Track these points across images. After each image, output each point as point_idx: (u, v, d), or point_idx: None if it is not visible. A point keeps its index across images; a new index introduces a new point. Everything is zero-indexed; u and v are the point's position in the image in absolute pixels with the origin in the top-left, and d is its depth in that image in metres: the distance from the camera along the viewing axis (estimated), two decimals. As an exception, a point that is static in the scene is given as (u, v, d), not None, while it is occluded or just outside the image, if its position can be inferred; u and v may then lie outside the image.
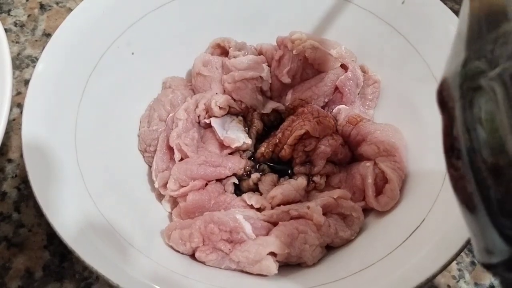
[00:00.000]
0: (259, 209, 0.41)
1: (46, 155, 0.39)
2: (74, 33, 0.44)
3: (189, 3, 0.49)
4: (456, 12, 0.44)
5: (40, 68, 0.42)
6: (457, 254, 0.33)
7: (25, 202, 0.47)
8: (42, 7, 0.60)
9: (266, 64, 0.48)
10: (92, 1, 0.45)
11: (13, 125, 0.51)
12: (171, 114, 0.45)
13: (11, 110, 0.51)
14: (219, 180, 0.43)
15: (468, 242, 0.34)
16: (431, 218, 0.37)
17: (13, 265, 0.44)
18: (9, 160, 0.49)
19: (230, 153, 0.45)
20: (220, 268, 0.38)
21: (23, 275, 0.43)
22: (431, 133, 0.43)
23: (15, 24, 0.59)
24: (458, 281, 0.44)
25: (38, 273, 0.43)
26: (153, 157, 0.45)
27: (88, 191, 0.39)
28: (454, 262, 0.44)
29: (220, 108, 0.46)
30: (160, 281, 0.33)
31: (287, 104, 0.48)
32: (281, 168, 0.45)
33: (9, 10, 0.60)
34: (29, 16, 0.60)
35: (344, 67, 0.48)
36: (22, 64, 0.56)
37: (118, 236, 0.38)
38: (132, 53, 0.47)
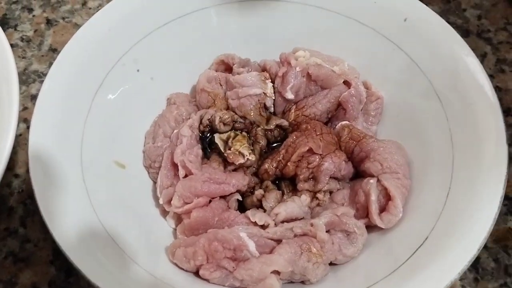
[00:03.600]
0: (262, 226, 0.41)
1: (52, 170, 0.40)
2: (81, 50, 0.45)
3: (193, 21, 0.49)
4: (458, 28, 0.45)
5: (48, 85, 0.43)
6: (461, 272, 0.34)
7: (31, 217, 0.47)
8: (48, 22, 0.61)
9: (270, 80, 0.49)
10: (98, 19, 0.46)
11: (20, 140, 0.52)
12: (175, 131, 0.46)
13: (17, 125, 0.52)
14: (223, 197, 0.44)
15: (471, 260, 0.34)
16: (435, 235, 0.37)
17: (19, 280, 0.44)
18: (16, 175, 0.50)
19: (234, 170, 0.45)
20: (224, 286, 0.38)
21: (29, 291, 0.44)
22: (434, 149, 0.43)
23: (22, 39, 0.60)
24: (461, 298, 0.44)
25: (44, 288, 0.44)
26: (158, 173, 0.45)
27: (93, 207, 0.40)
28: (458, 278, 0.44)
29: (224, 124, 0.46)
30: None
31: (290, 120, 0.48)
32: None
33: (16, 25, 0.61)
34: (35, 31, 0.60)
35: (347, 83, 0.48)
36: (29, 79, 0.57)
37: (122, 253, 0.38)
38: (138, 70, 0.48)
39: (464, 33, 0.59)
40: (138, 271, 0.37)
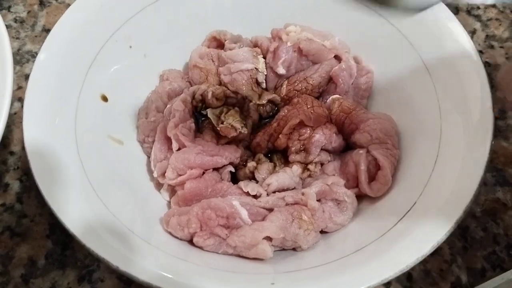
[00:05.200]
0: (255, 196, 0.42)
1: (47, 147, 0.40)
2: (73, 26, 0.45)
3: (186, -3, 0.50)
4: (448, 5, 0.46)
5: (40, 61, 0.43)
6: (446, 235, 0.34)
7: (27, 193, 0.48)
8: (41, 3, 0.61)
9: (262, 56, 0.49)
10: (90, -5, 0.46)
11: (15, 118, 0.52)
12: (168, 106, 0.46)
13: (12, 104, 0.52)
14: (216, 169, 0.44)
15: (457, 221, 0.35)
16: (421, 202, 0.38)
17: (16, 254, 0.45)
18: (11, 153, 0.50)
19: (227, 143, 0.46)
20: (218, 253, 0.39)
21: (26, 264, 0.44)
22: (422, 119, 0.44)
23: (15, 20, 0.60)
24: (450, 265, 0.45)
25: (40, 261, 0.44)
26: (151, 148, 0.46)
27: (89, 181, 0.40)
28: (447, 247, 0.45)
29: (216, 99, 0.47)
30: (159, 264, 0.35)
31: (282, 95, 0.49)
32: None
33: (9, 7, 0.61)
34: (28, 12, 0.61)
35: (337, 58, 0.49)
36: (23, 59, 0.57)
37: (118, 223, 0.39)
38: (130, 47, 0.48)
39: (454, 10, 0.60)
40: (134, 239, 0.37)
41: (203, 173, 0.43)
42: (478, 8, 0.61)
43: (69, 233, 0.36)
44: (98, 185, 0.40)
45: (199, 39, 0.52)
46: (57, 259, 0.45)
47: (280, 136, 0.45)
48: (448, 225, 0.34)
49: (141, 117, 0.48)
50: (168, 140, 0.45)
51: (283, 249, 0.40)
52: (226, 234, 0.39)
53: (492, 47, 0.58)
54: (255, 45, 0.50)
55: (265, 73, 0.49)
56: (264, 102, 0.49)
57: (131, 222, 0.39)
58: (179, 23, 0.50)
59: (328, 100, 0.48)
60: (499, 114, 0.53)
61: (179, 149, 0.44)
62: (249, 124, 0.47)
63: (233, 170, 0.45)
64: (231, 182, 0.44)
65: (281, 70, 0.48)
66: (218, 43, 0.51)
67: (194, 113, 0.47)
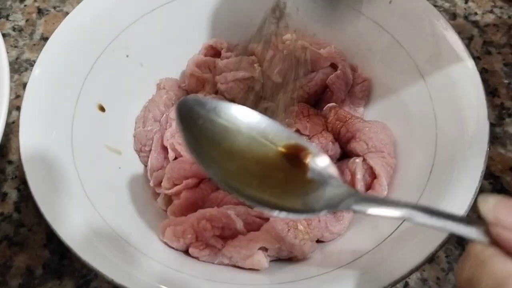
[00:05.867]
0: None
1: (43, 157, 0.40)
2: (70, 36, 0.45)
3: (183, 6, 0.50)
4: (445, 11, 0.46)
5: (37, 71, 0.43)
6: (441, 245, 0.34)
7: (25, 202, 0.48)
8: (39, 11, 0.62)
9: (258, 64, 0.49)
10: (87, 4, 0.47)
11: (13, 127, 0.53)
12: (165, 115, 0.47)
13: (10, 113, 0.52)
14: (212, 178, 0.44)
15: (451, 235, 0.35)
16: (417, 211, 0.38)
17: (14, 264, 0.45)
18: (9, 162, 0.50)
19: (223, 152, 0.46)
20: (213, 263, 0.39)
21: (24, 273, 0.44)
22: (418, 128, 0.44)
23: (14, 29, 0.60)
24: (447, 274, 0.44)
25: (38, 271, 0.44)
26: (148, 157, 0.46)
27: (85, 191, 0.40)
28: (444, 255, 0.45)
29: (213, 108, 0.47)
30: (155, 276, 0.35)
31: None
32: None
33: (8, 15, 0.61)
34: (27, 20, 0.61)
35: (334, 66, 0.49)
36: (21, 68, 0.57)
37: (114, 234, 0.39)
38: (127, 56, 0.48)
39: (451, 16, 0.60)
40: (130, 250, 0.37)
41: (199, 182, 0.44)
42: (476, 14, 0.61)
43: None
44: (94, 195, 0.40)
45: (196, 47, 0.52)
46: (54, 269, 0.45)
47: (276, 145, 0.45)
48: (443, 236, 0.34)
49: (138, 126, 0.48)
50: (165, 150, 0.45)
51: (279, 259, 0.40)
52: (222, 245, 0.39)
53: (489, 53, 0.58)
54: (252, 53, 0.50)
55: (262, 82, 0.49)
56: (261, 110, 0.49)
57: (127, 232, 0.39)
58: (175, 32, 0.50)
59: (324, 109, 0.48)
60: (496, 121, 0.53)
61: (175, 158, 0.44)
62: (246, 132, 0.47)
63: (229, 179, 0.45)
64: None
65: (277, 79, 0.48)
66: (215, 52, 0.51)
67: (191, 121, 0.47)
